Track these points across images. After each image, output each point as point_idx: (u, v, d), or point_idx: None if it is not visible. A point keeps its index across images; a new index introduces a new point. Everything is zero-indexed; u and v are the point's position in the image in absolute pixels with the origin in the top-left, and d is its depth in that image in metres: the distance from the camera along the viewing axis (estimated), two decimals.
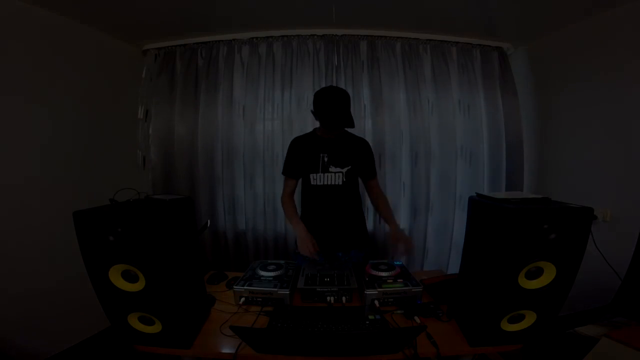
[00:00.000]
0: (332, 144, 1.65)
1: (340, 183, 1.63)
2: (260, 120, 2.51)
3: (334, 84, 2.44)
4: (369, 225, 2.39)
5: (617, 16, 1.85)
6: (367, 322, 1.12)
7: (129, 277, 1.01)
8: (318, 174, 1.63)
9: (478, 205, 1.12)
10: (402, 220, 2.58)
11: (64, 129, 2.04)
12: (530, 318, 1.07)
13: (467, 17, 2.21)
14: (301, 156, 1.67)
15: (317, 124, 1.72)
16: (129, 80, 2.53)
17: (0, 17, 1.70)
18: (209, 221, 1.86)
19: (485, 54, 2.57)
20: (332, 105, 1.48)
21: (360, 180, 1.77)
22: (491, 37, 2.51)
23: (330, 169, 1.62)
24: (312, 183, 1.64)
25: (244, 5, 2.06)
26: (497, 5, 2.01)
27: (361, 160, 1.68)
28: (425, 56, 2.53)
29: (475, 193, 1.19)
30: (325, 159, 1.63)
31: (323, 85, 2.47)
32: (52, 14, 1.93)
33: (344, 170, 1.63)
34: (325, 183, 1.63)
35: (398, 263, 1.51)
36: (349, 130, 1.74)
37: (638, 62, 1.76)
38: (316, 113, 1.55)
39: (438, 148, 2.54)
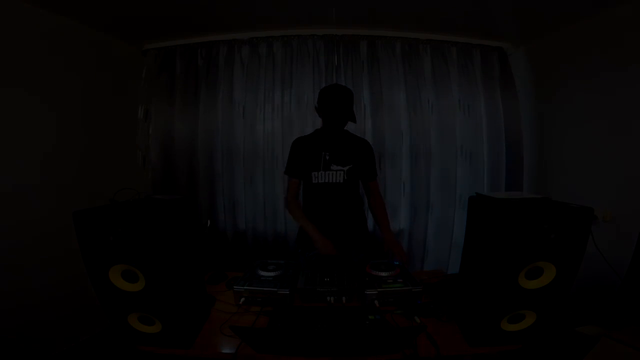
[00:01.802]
0: (333, 143, 1.66)
1: (342, 181, 1.64)
2: (260, 120, 2.51)
3: (326, 89, 2.45)
4: (369, 225, 2.39)
5: (617, 16, 1.85)
6: (367, 322, 1.12)
7: (129, 277, 1.01)
8: (319, 172, 1.63)
9: (478, 205, 1.12)
10: (402, 220, 2.58)
11: (63, 129, 2.04)
12: (530, 318, 1.07)
13: (467, 17, 2.21)
14: (303, 155, 1.68)
15: (318, 125, 1.73)
16: (129, 80, 2.53)
17: (1, 18, 1.70)
18: (209, 221, 1.86)
19: (485, 54, 2.57)
20: (335, 101, 1.52)
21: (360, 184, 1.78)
22: (491, 37, 2.51)
23: (331, 167, 1.63)
24: (313, 181, 1.65)
25: (244, 5, 2.06)
26: (497, 5, 2.01)
27: (362, 160, 1.69)
28: (425, 56, 2.53)
29: (475, 193, 1.19)
30: (327, 157, 1.64)
31: (323, 86, 2.47)
32: (52, 15, 1.93)
33: (345, 168, 1.64)
34: (327, 181, 1.63)
35: (398, 263, 1.51)
36: (350, 131, 1.77)
37: (638, 62, 1.75)
38: (319, 109, 1.60)
39: (438, 148, 2.54)
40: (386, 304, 1.27)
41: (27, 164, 1.84)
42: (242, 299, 1.29)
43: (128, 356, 1.12)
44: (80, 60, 2.13)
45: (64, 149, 2.03)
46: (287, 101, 2.49)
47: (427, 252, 2.61)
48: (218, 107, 2.53)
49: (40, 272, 1.89)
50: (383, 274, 1.39)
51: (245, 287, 1.30)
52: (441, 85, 2.51)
